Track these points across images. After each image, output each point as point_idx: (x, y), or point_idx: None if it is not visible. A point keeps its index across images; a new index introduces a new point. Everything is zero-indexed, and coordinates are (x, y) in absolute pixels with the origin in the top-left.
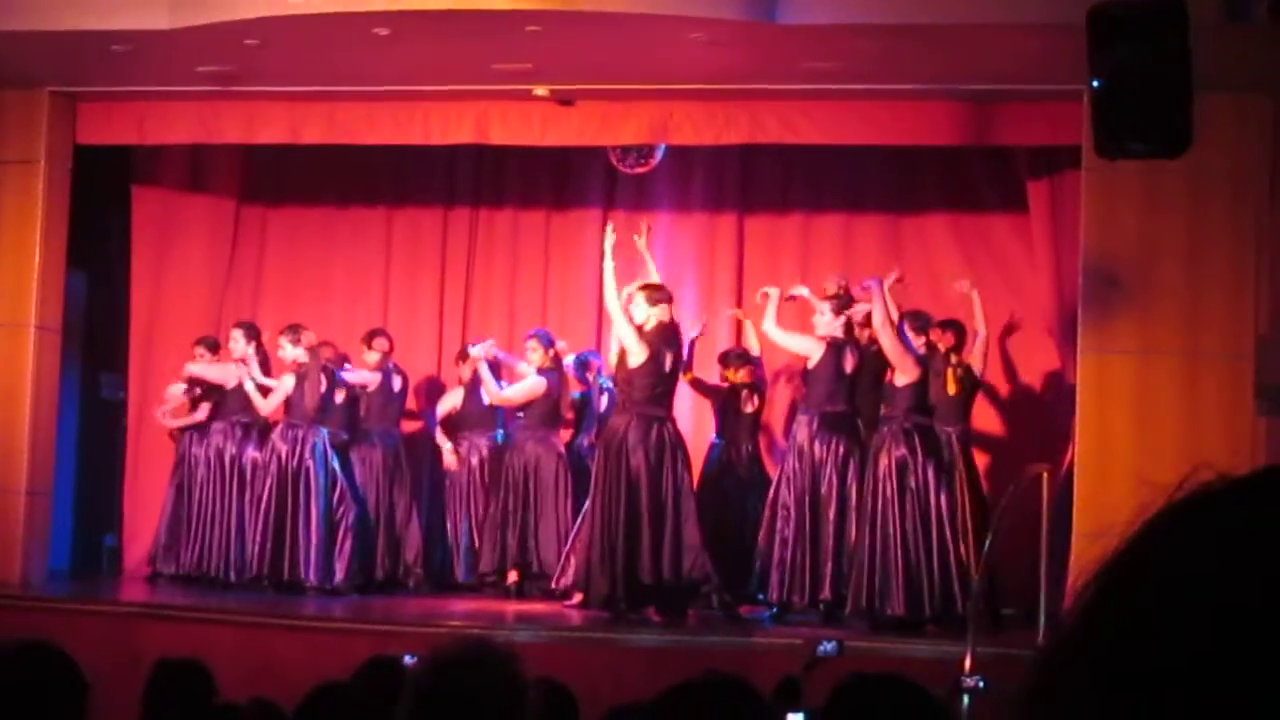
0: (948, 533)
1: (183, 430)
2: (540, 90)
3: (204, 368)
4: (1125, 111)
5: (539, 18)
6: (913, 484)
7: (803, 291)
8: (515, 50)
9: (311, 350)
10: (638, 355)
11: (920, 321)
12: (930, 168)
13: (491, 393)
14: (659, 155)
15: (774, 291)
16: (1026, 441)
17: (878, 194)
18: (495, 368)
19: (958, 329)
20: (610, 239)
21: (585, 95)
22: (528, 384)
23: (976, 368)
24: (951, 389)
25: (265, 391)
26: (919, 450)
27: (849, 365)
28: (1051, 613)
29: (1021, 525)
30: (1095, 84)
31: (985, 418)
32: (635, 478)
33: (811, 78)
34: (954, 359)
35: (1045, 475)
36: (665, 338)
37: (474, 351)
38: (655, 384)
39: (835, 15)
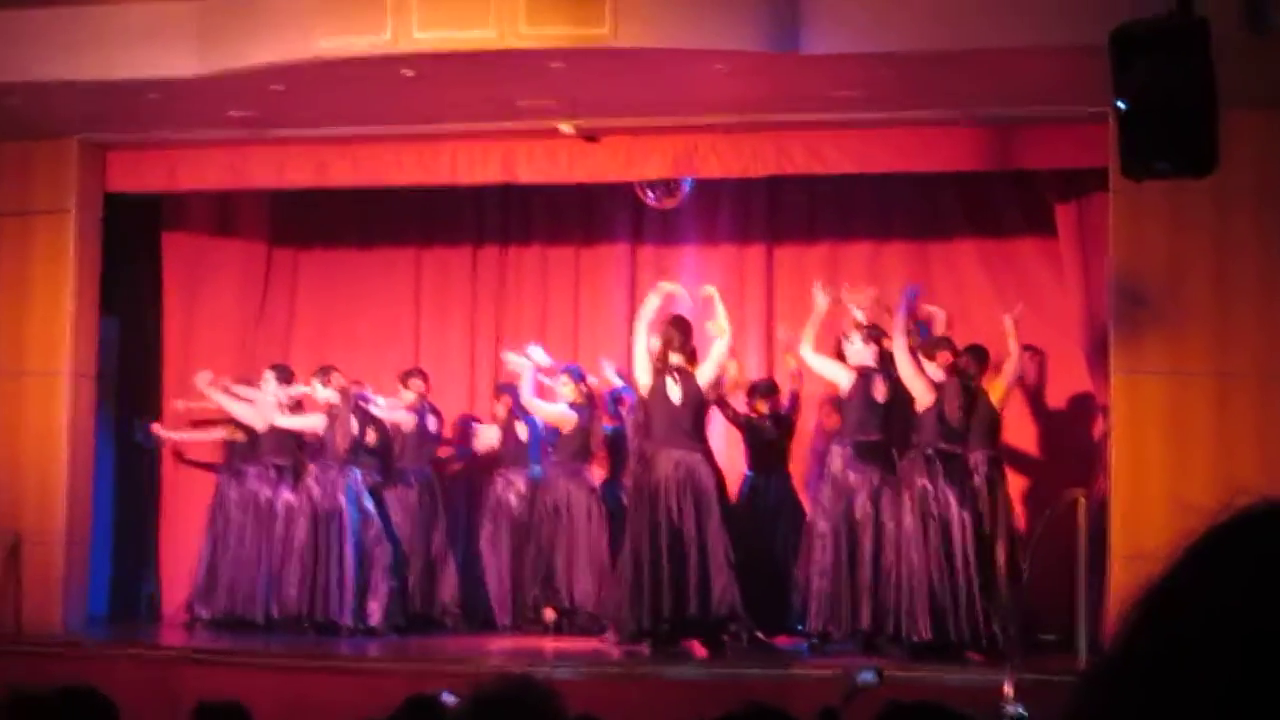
0: (972, 558)
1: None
2: (565, 127)
3: (231, 401)
4: (1151, 132)
5: (562, 55)
6: (935, 511)
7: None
8: (539, 88)
9: (343, 391)
10: (675, 391)
11: (933, 346)
12: (957, 193)
13: (525, 397)
14: (686, 189)
15: (819, 309)
16: (1061, 465)
17: (905, 221)
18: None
19: (979, 354)
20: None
21: (610, 131)
22: (558, 410)
23: (999, 393)
24: (977, 412)
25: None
26: (940, 476)
27: (880, 394)
28: (1091, 638)
29: (1058, 549)
30: (1120, 105)
31: (1019, 441)
32: (666, 511)
33: (836, 107)
34: (973, 384)
35: (1081, 499)
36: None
37: (535, 355)
38: (690, 417)
39: (858, 44)
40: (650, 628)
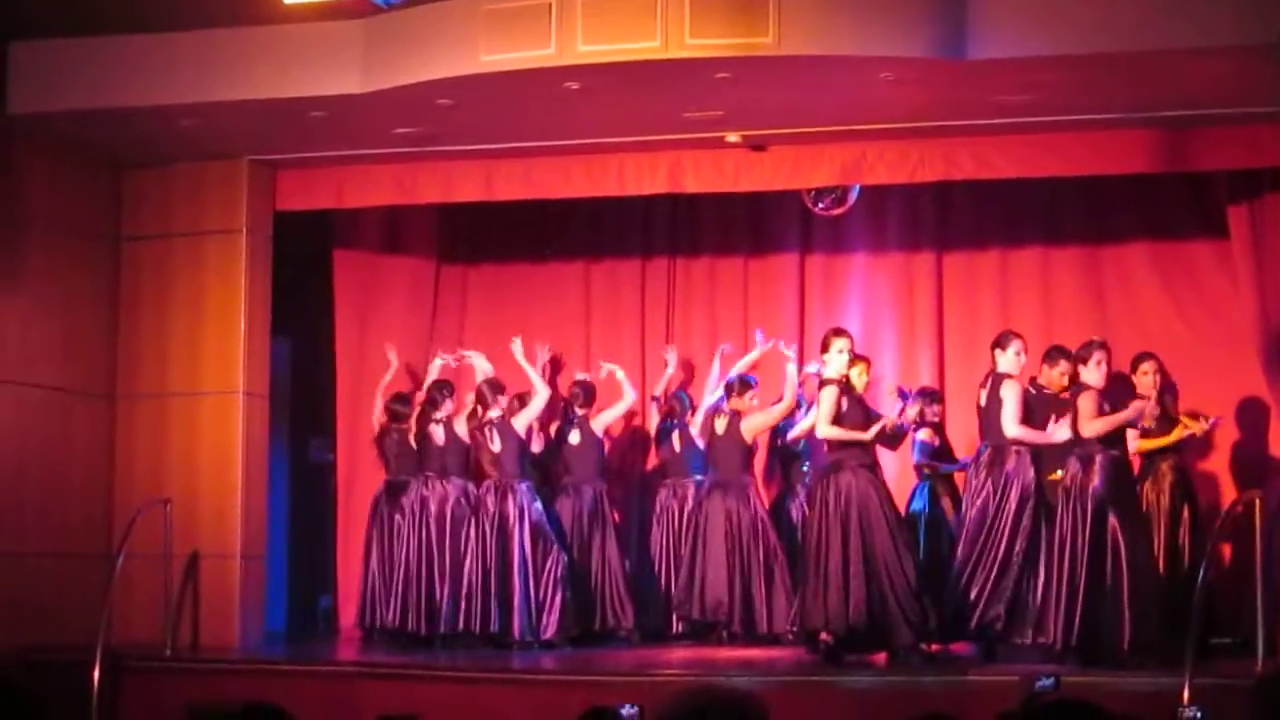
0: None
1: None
2: (732, 137)
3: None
4: None
5: (728, 65)
6: (1112, 519)
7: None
8: (706, 98)
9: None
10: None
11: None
12: (1127, 196)
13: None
14: (853, 196)
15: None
16: (1238, 468)
17: (1075, 225)
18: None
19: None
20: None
21: (777, 140)
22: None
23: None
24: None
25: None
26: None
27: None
28: (1268, 641)
29: (1235, 553)
30: None
31: (1196, 445)
32: (841, 523)
33: (1003, 112)
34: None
35: (1258, 501)
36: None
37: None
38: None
39: (1024, 48)
40: (837, 636)
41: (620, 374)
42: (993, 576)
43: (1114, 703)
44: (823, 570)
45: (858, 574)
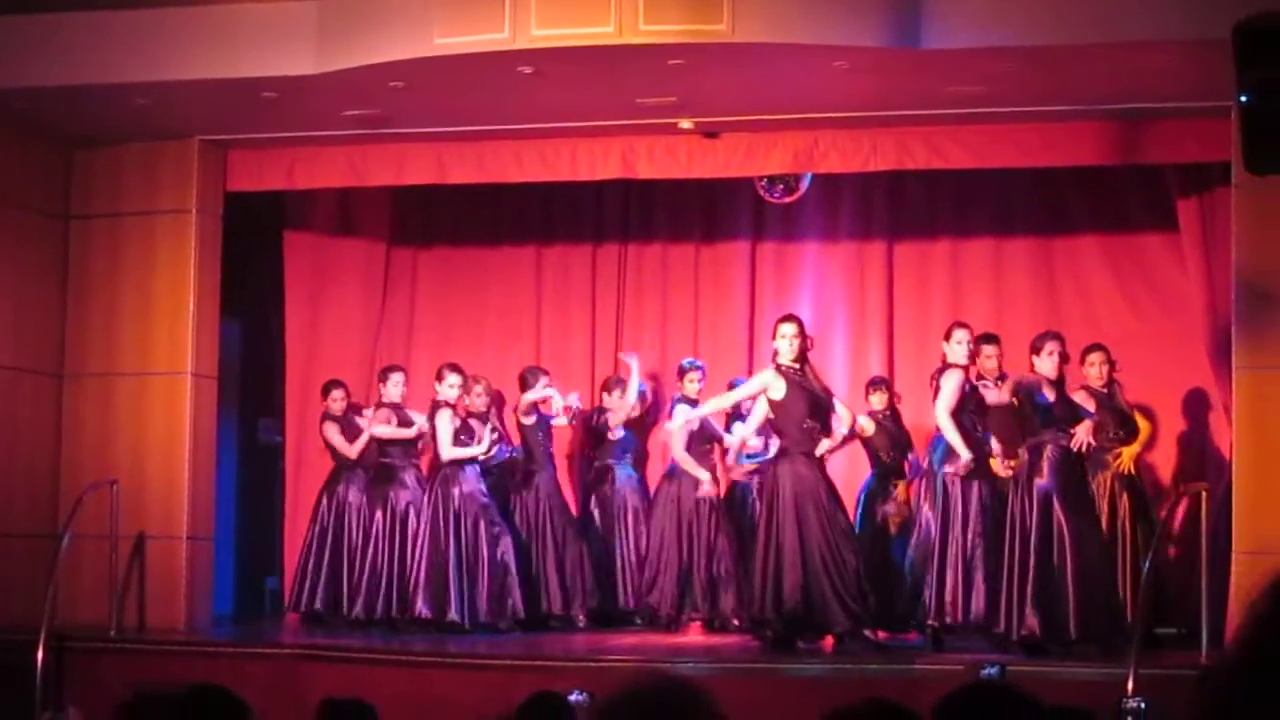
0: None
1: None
2: (685, 123)
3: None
4: (1274, 126)
5: (681, 52)
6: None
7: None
8: (659, 84)
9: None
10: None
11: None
12: (1079, 188)
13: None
14: (806, 184)
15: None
16: (1184, 460)
17: (1027, 216)
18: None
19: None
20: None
21: (730, 127)
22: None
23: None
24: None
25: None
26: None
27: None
28: (1213, 632)
29: (1181, 544)
30: (1243, 99)
31: (1143, 437)
32: (790, 513)
33: (957, 102)
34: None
35: (1204, 494)
36: (806, 376)
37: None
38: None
39: (979, 39)
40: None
41: (635, 366)
42: (946, 567)
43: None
44: (761, 557)
45: (794, 560)
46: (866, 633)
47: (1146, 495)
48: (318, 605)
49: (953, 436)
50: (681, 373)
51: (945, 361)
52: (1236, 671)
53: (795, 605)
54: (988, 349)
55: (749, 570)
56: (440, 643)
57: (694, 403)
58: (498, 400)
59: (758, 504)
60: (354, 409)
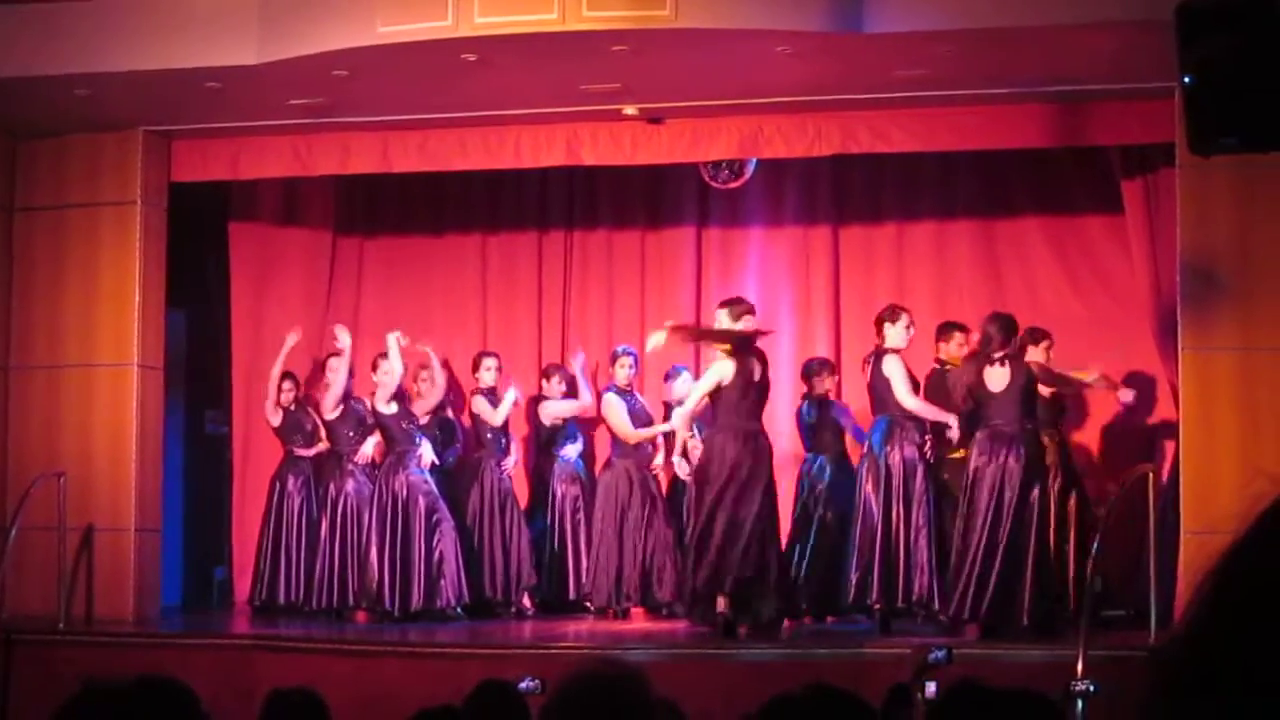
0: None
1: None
2: (630, 110)
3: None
4: (1217, 107)
5: (625, 37)
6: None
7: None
8: (603, 71)
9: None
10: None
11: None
12: (1022, 171)
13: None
14: (750, 170)
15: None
16: (1131, 441)
17: (970, 200)
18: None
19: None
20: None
21: (675, 113)
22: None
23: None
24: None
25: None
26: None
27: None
28: (1162, 613)
29: (1128, 525)
30: (1185, 80)
31: (1088, 419)
32: (724, 491)
33: (900, 86)
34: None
35: (1151, 475)
36: (751, 351)
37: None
38: (743, 398)
39: (920, 22)
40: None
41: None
42: (890, 549)
43: (1007, 675)
44: (695, 539)
45: (732, 542)
46: (805, 620)
47: (1078, 475)
48: (279, 599)
49: (931, 413)
50: (614, 358)
51: (883, 346)
52: (1177, 656)
53: (732, 587)
54: (958, 336)
55: (685, 552)
56: (388, 632)
57: (624, 392)
58: (453, 386)
59: (693, 487)
60: (306, 399)
